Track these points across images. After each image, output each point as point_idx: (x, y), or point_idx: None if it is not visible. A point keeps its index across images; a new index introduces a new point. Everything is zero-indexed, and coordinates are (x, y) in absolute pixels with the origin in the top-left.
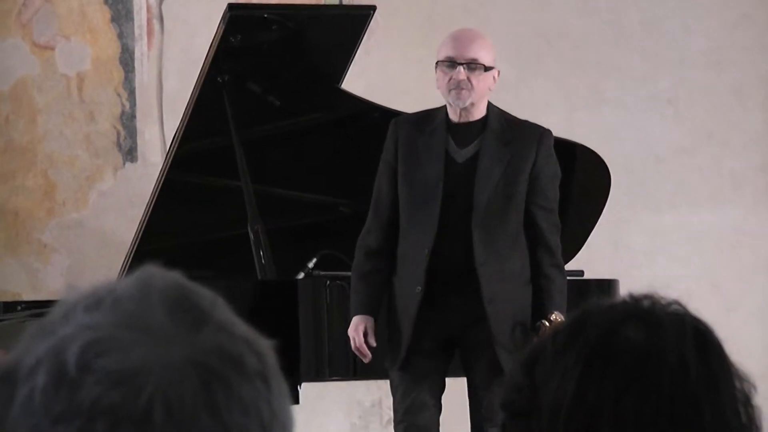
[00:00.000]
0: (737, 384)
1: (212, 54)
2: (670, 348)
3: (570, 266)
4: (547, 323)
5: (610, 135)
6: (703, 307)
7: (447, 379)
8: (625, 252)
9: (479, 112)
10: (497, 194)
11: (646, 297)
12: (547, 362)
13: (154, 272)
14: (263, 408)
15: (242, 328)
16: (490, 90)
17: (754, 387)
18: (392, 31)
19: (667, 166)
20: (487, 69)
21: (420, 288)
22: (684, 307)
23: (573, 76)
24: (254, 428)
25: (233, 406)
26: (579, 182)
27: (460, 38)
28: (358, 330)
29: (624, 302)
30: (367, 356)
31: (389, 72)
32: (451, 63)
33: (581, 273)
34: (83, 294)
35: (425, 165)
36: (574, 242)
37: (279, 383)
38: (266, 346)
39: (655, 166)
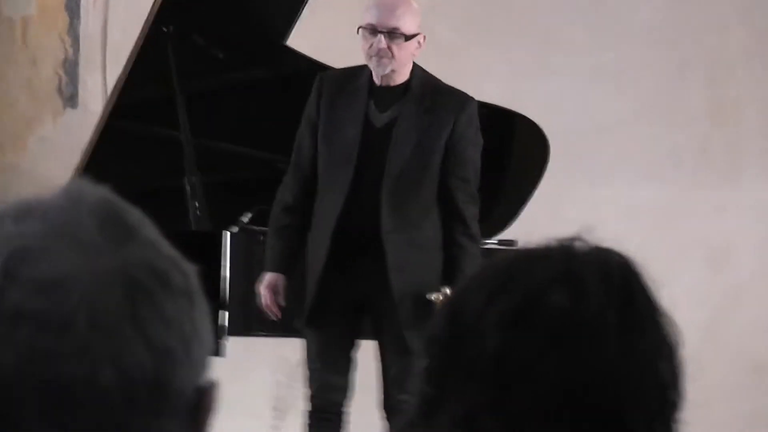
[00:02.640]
0: (662, 340)
1: (158, 4)
2: (593, 314)
3: (503, 236)
4: (440, 297)
5: (552, 106)
6: None
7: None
8: (561, 223)
9: (402, 77)
10: (411, 162)
11: (576, 242)
12: (470, 316)
13: (84, 186)
14: (185, 324)
15: (168, 247)
16: (414, 56)
17: (680, 336)
18: None
19: (608, 139)
20: (409, 37)
21: (324, 251)
22: (611, 255)
23: (517, 46)
24: (175, 342)
25: (156, 319)
26: (517, 152)
27: (383, 5)
28: (268, 287)
29: (550, 259)
30: (277, 315)
31: (335, 33)
32: (373, 30)
33: (514, 242)
34: (12, 205)
35: (345, 126)
36: (510, 211)
37: (202, 302)
38: (191, 267)
39: (596, 139)
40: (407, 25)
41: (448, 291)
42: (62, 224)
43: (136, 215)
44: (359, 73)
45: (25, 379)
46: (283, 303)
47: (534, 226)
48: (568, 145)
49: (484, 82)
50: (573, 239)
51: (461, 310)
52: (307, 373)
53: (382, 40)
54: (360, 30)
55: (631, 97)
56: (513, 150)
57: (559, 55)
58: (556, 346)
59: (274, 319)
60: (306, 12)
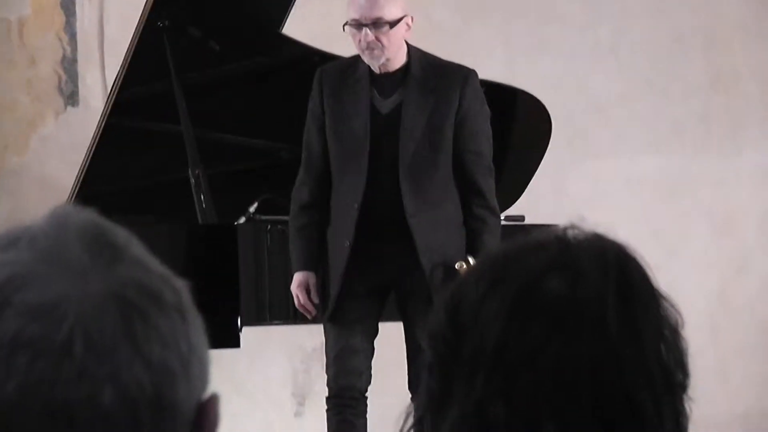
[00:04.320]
0: (663, 322)
1: None
2: (591, 298)
3: (511, 211)
4: (464, 266)
5: (551, 83)
6: (643, 253)
7: (388, 325)
8: (565, 198)
9: (399, 62)
10: (423, 144)
11: (569, 230)
12: (469, 310)
13: (69, 211)
14: (181, 341)
15: (157, 265)
16: (405, 38)
17: (682, 319)
18: None
19: (609, 113)
20: (394, 23)
21: (348, 242)
22: (605, 241)
23: (515, 24)
24: (173, 360)
25: (152, 337)
26: (520, 128)
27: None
28: (300, 287)
29: (546, 247)
30: (312, 313)
31: (331, 19)
32: (358, 25)
33: (522, 218)
34: None
35: (352, 118)
36: (515, 188)
37: (195, 319)
38: (181, 283)
39: (597, 113)
40: (390, 12)
41: (471, 261)
42: (50, 249)
43: (123, 235)
44: (358, 63)
45: (27, 406)
46: (316, 300)
47: (539, 201)
48: (570, 120)
49: (483, 61)
50: (566, 227)
51: (460, 304)
52: (326, 359)
53: (368, 34)
54: (346, 26)
55: (630, 70)
56: (516, 126)
57: (556, 32)
58: (557, 331)
59: (310, 318)
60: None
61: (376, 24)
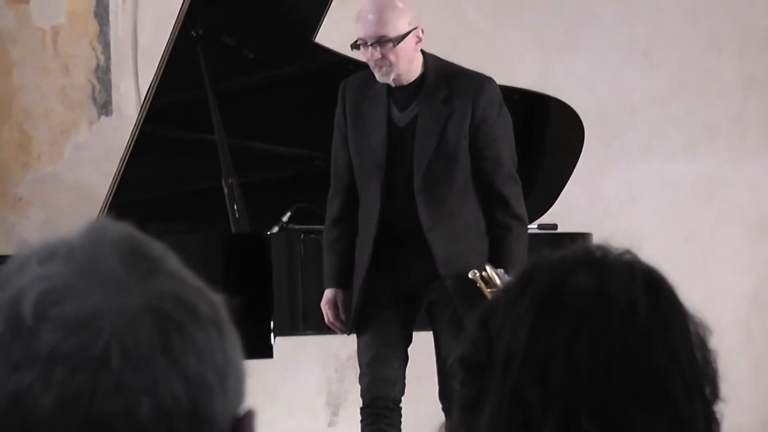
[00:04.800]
0: (691, 327)
1: (186, 7)
2: (619, 292)
3: (543, 220)
4: (476, 273)
5: (585, 85)
6: (678, 258)
7: (421, 333)
8: (599, 203)
9: (413, 74)
10: (438, 155)
11: (598, 247)
12: (500, 315)
13: (106, 224)
14: (217, 354)
15: (193, 278)
16: (416, 51)
17: (709, 330)
18: None
19: (642, 117)
20: (400, 40)
21: (368, 256)
22: (635, 256)
23: (548, 26)
24: (209, 373)
25: (189, 350)
26: (553, 136)
27: (365, 17)
28: (329, 305)
29: (574, 252)
30: (342, 329)
31: None
32: (364, 44)
33: (555, 226)
34: (37, 247)
35: (370, 133)
36: (548, 196)
37: (231, 332)
38: (217, 296)
39: (630, 117)
40: (395, 28)
41: (487, 268)
42: (87, 263)
43: (158, 248)
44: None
45: (66, 419)
46: (343, 317)
47: (573, 207)
48: (604, 123)
49: (517, 63)
50: (595, 246)
51: (491, 311)
52: (360, 368)
53: (374, 52)
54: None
55: (664, 71)
56: (548, 134)
57: (590, 33)
58: (587, 322)
59: (340, 333)
60: (334, 3)
61: (381, 42)
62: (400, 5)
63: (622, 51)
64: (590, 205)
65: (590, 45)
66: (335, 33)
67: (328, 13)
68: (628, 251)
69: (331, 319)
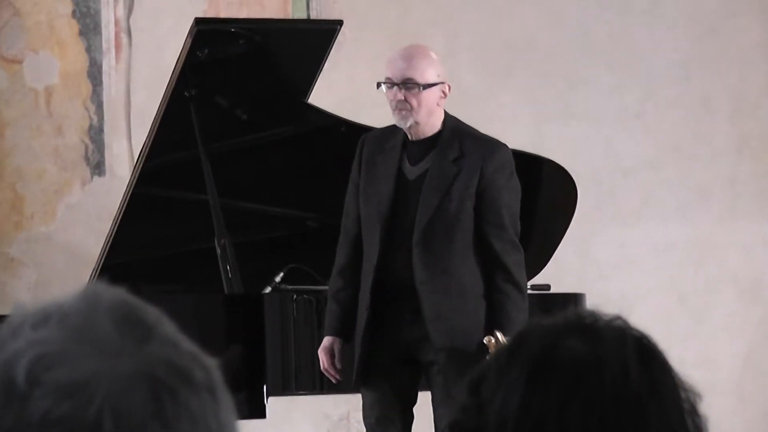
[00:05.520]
0: (682, 393)
1: (179, 68)
2: (611, 357)
3: (536, 280)
4: (491, 340)
5: (577, 148)
6: (671, 320)
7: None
8: (592, 265)
9: (431, 129)
10: (440, 213)
11: (588, 313)
12: (492, 379)
13: (100, 288)
14: (211, 420)
15: (187, 343)
16: (438, 105)
17: (700, 396)
18: (360, 45)
19: (635, 179)
20: (426, 87)
21: (366, 309)
22: (625, 321)
23: (541, 89)
24: None
25: (182, 416)
26: (546, 197)
27: (397, 59)
28: (325, 351)
29: (565, 317)
30: (336, 377)
31: (357, 86)
32: (390, 83)
33: (548, 287)
34: (30, 311)
35: (380, 182)
36: (541, 256)
37: (225, 397)
38: (211, 361)
39: (623, 179)
40: (423, 75)
41: (499, 335)
42: (81, 328)
43: (153, 314)
44: (397, 130)
45: None
46: (339, 366)
47: (565, 268)
48: (596, 186)
49: (508, 126)
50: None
51: (481, 377)
52: (365, 427)
53: (398, 93)
54: (382, 84)
55: (657, 134)
56: (542, 195)
57: (583, 96)
58: (580, 386)
59: (334, 382)
60: (327, 66)
61: (407, 84)
62: (433, 56)
63: (615, 114)
64: (583, 267)
65: (583, 108)
66: (328, 96)
67: (320, 75)
68: (618, 317)
69: (325, 365)
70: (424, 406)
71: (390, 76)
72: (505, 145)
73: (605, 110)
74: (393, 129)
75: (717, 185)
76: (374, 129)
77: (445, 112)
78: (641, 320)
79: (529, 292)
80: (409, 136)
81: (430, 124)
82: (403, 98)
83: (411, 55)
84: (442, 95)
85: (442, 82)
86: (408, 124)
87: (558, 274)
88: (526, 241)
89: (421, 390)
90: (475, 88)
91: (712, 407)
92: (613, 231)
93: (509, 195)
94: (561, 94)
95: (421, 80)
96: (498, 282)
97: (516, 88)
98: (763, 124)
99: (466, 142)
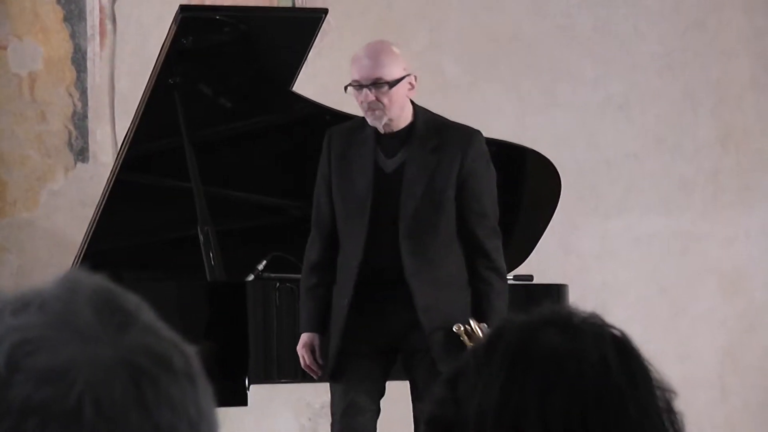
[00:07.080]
0: (657, 392)
1: (164, 55)
2: (590, 349)
3: (519, 271)
4: (461, 327)
5: (561, 139)
6: (652, 312)
7: (393, 383)
8: (574, 256)
9: (403, 121)
10: (424, 203)
11: (565, 308)
12: (470, 375)
13: (80, 276)
14: (190, 407)
15: (167, 330)
16: (408, 98)
17: (674, 394)
18: (345, 33)
19: (618, 171)
20: (394, 84)
21: (347, 301)
22: (602, 318)
23: (525, 80)
24: (182, 426)
25: (162, 403)
26: (529, 187)
27: (362, 59)
28: (305, 348)
29: (541, 311)
30: (318, 374)
31: (342, 74)
32: (358, 85)
33: (530, 278)
34: (10, 297)
35: (356, 177)
36: (524, 247)
37: (204, 384)
38: (191, 349)
39: (606, 171)
40: (391, 72)
41: (471, 322)
42: (60, 314)
43: (133, 301)
44: (365, 124)
45: None
46: (321, 361)
47: (548, 259)
48: (579, 177)
49: (493, 117)
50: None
51: (459, 373)
52: (332, 417)
53: (369, 94)
54: (349, 87)
55: (640, 127)
56: (525, 185)
57: (567, 89)
58: (559, 376)
59: (315, 378)
60: (311, 54)
61: (376, 84)
62: (396, 51)
63: (599, 106)
64: (565, 258)
65: (567, 99)
66: (312, 84)
67: (305, 64)
68: (595, 314)
69: (308, 362)
70: (402, 397)
71: (357, 78)
72: (479, 132)
73: (589, 102)
74: (360, 123)
75: (700, 178)
76: (344, 122)
77: (413, 102)
78: (623, 311)
79: (512, 282)
80: (381, 130)
81: (403, 117)
82: (374, 98)
83: (375, 53)
84: (410, 87)
85: (409, 74)
86: (383, 123)
87: (541, 265)
88: (509, 232)
89: (399, 379)
90: (459, 79)
91: (693, 399)
92: (596, 222)
93: (489, 182)
94: (545, 86)
95: (389, 77)
96: (480, 270)
97: (500, 80)
98: (746, 117)
99: (443, 132)
